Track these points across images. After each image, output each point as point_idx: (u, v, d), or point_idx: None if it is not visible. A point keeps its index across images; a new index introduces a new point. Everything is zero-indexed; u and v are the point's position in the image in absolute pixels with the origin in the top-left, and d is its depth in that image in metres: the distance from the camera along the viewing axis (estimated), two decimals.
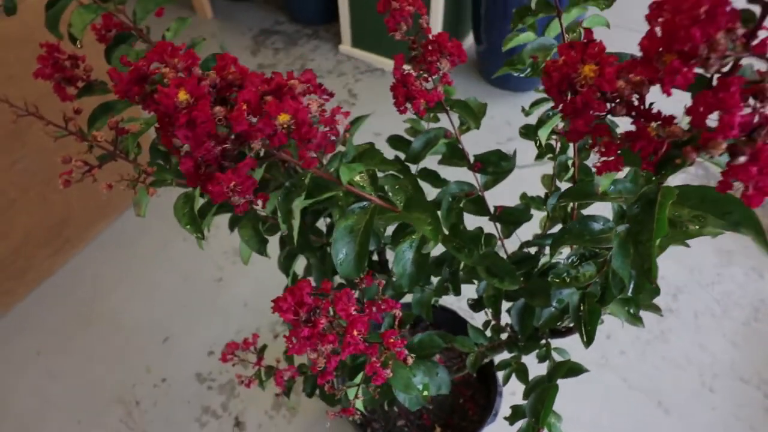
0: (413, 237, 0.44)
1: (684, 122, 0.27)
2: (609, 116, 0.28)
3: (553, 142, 0.61)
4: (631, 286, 0.36)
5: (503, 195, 0.68)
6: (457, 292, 0.55)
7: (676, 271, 1.35)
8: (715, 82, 0.25)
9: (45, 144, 1.21)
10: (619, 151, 0.27)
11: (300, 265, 0.70)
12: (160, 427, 1.16)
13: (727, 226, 0.31)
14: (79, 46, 0.42)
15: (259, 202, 0.37)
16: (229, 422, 1.16)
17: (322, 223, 0.70)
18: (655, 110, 0.26)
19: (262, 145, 0.30)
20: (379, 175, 0.46)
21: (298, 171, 0.58)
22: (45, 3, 0.48)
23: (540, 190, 0.69)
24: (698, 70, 0.24)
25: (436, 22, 1.73)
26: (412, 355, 0.41)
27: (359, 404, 0.47)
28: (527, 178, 0.88)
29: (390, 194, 0.45)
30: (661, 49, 0.23)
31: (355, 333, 0.35)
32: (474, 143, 0.62)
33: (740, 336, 1.22)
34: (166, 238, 1.47)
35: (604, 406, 1.14)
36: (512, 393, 1.09)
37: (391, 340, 0.41)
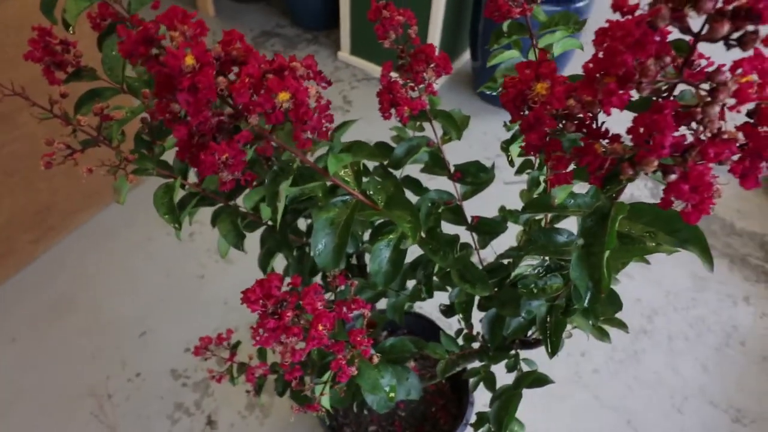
0: (391, 236, 0.45)
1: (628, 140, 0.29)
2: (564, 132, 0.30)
3: (532, 158, 0.63)
4: (588, 297, 0.37)
5: (487, 208, 0.69)
6: (430, 295, 0.56)
7: (652, 293, 1.37)
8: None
9: (34, 129, 1.21)
10: (571, 166, 0.29)
11: (280, 265, 0.71)
12: (131, 421, 1.16)
13: (676, 243, 0.33)
14: (71, 32, 0.43)
15: (239, 199, 0.38)
16: (202, 420, 1.16)
17: (302, 224, 0.71)
18: (603, 128, 0.28)
19: (257, 121, 0.31)
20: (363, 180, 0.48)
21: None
22: None
23: (521, 205, 0.71)
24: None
25: (434, 37, 1.76)
26: (378, 354, 0.42)
27: (325, 402, 0.48)
28: (509, 194, 0.90)
29: (371, 193, 0.46)
30: (600, 72, 0.25)
31: (320, 327, 0.36)
32: (464, 157, 0.63)
33: (711, 361, 1.24)
34: (151, 232, 1.47)
35: (574, 423, 1.15)
36: (485, 405, 1.10)
37: (358, 339, 0.42)
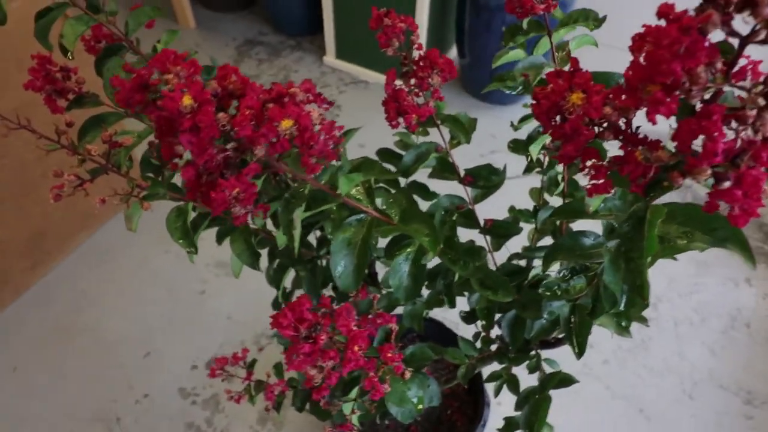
0: (408, 250, 0.45)
1: (670, 144, 0.28)
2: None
3: (541, 156, 0.62)
4: (623, 300, 0.37)
5: (489, 207, 0.68)
6: (452, 305, 0.55)
7: (655, 281, 1.38)
8: (698, 108, 0.26)
9: (23, 155, 1.19)
10: (608, 174, 0.28)
11: (288, 278, 0.70)
12: None
13: (714, 242, 0.32)
14: (70, 57, 0.42)
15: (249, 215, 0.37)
16: None
17: (312, 237, 0.70)
18: (641, 134, 0.27)
19: (263, 152, 0.31)
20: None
21: (290, 185, 0.58)
22: (34, 13, 0.48)
23: (526, 203, 0.71)
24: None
25: (420, 35, 1.75)
26: (410, 369, 0.42)
27: (355, 419, 0.47)
28: (511, 190, 0.90)
29: (384, 208, 0.45)
30: (644, 80, 0.24)
31: (356, 349, 0.35)
32: (458, 155, 0.63)
33: (718, 344, 1.25)
34: (148, 250, 1.45)
35: (587, 415, 1.15)
36: (498, 403, 1.10)
37: (389, 355, 0.41)
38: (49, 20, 0.46)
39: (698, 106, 0.26)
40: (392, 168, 0.63)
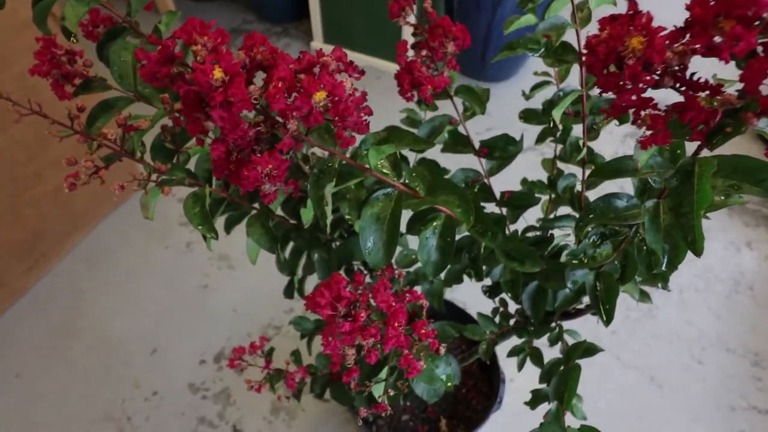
0: (435, 223, 0.43)
1: (730, 90, 0.27)
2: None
3: (557, 124, 0.61)
4: (665, 260, 0.36)
5: (498, 183, 0.67)
6: (480, 278, 0.54)
7: None
8: (759, 49, 0.25)
9: (14, 155, 1.15)
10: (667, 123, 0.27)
11: (299, 265, 0.69)
12: None
13: (763, 192, 0.31)
14: (74, 40, 0.40)
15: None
16: (227, 431, 1.14)
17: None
18: (703, 80, 0.26)
19: (296, 126, 0.29)
20: None
21: (301, 166, 0.56)
22: None
23: (535, 174, 0.70)
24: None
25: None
26: (444, 344, 0.41)
27: (386, 399, 0.46)
28: (516, 166, 0.89)
29: (408, 182, 0.44)
30: (717, 15, 0.23)
31: (396, 324, 0.34)
32: None
33: (724, 308, 1.26)
34: (147, 246, 1.43)
35: (600, 386, 1.16)
36: (511, 380, 1.10)
37: (423, 331, 0.40)
38: (47, 3, 0.44)
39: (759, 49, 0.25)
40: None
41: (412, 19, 0.54)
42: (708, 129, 0.25)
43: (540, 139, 0.65)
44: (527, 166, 0.86)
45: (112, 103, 0.42)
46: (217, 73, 0.27)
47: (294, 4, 2.11)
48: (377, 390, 0.48)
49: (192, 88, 0.28)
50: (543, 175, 0.69)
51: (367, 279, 0.63)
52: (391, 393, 0.44)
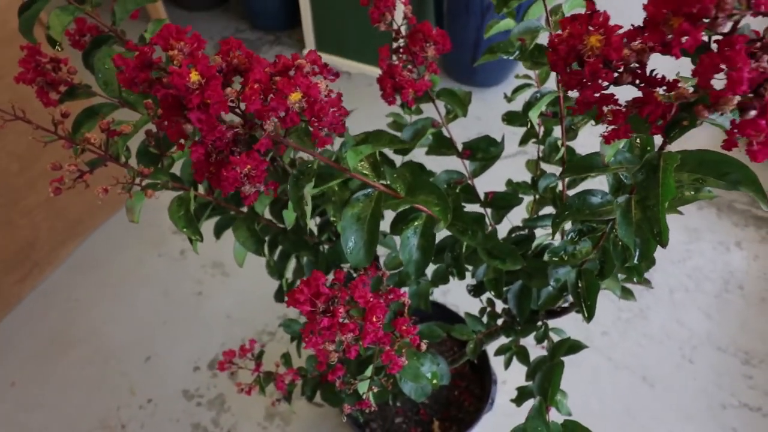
0: (416, 223, 0.44)
1: (686, 85, 0.28)
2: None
3: (537, 126, 0.62)
4: (637, 253, 0.37)
5: (484, 185, 0.68)
6: (462, 276, 0.55)
7: None
8: (713, 46, 0.26)
9: (6, 166, 1.16)
10: (627, 118, 0.28)
11: (289, 269, 0.70)
12: None
13: (727, 185, 0.32)
14: (59, 49, 0.41)
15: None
16: None
17: (312, 224, 0.69)
18: (660, 76, 0.27)
19: (273, 127, 0.30)
20: None
21: (287, 170, 0.57)
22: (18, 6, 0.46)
23: (521, 177, 0.71)
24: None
25: (397, 18, 1.74)
26: (425, 341, 0.42)
27: (372, 397, 0.47)
28: (501, 169, 0.90)
29: (388, 183, 0.45)
30: (667, 12, 0.24)
31: (374, 319, 0.35)
32: None
33: (713, 308, 1.27)
34: (141, 254, 1.43)
35: (592, 386, 1.16)
36: (503, 382, 1.11)
37: (404, 328, 0.41)
38: (33, 13, 0.45)
39: (713, 44, 0.26)
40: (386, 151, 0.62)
41: (394, 24, 0.55)
42: (666, 122, 0.26)
43: (523, 141, 0.66)
44: (515, 168, 0.87)
45: (97, 109, 0.43)
46: (194, 76, 0.28)
47: (286, 12, 2.13)
48: (362, 387, 0.48)
49: (170, 92, 0.29)
50: (529, 177, 0.71)
51: None
52: (376, 390, 0.45)
